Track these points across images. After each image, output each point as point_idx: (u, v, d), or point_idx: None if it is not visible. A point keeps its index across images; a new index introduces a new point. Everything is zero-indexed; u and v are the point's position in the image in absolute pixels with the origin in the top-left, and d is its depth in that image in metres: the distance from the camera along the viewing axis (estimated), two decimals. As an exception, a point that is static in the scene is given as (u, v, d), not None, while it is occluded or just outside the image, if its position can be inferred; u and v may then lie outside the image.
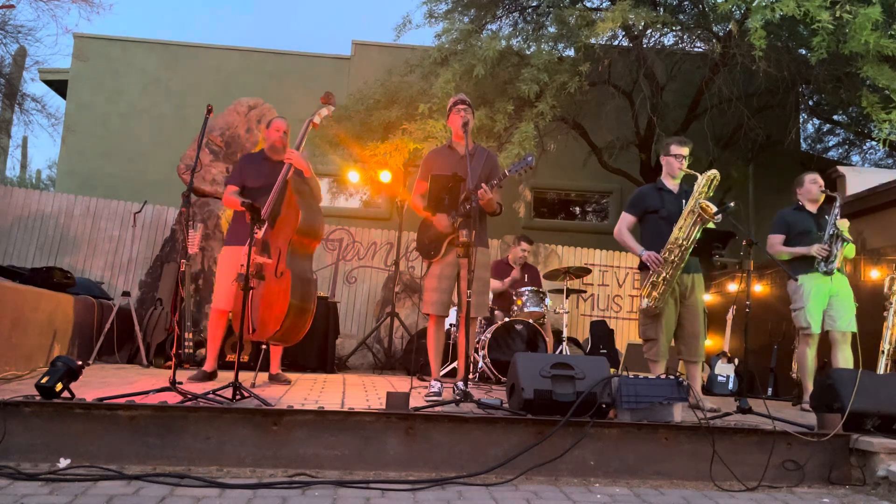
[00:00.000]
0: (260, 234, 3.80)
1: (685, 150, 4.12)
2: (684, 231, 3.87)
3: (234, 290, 3.94)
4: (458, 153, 3.84)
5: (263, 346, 4.37)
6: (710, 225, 3.94)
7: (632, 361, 6.87)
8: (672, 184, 4.17)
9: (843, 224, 4.45)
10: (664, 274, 3.89)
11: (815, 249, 4.38)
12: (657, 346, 4.00)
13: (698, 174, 3.95)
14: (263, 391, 3.51)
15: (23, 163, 18.44)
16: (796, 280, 4.26)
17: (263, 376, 4.38)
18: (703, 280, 4.14)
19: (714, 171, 3.99)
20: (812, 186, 4.59)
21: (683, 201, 3.97)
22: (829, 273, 4.35)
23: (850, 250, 4.50)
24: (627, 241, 4.17)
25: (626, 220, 4.23)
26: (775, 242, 4.58)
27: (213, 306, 4.25)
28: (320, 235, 3.99)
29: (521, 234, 6.52)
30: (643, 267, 4.05)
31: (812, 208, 4.60)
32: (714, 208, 3.78)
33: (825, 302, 4.39)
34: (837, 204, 4.49)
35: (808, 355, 4.42)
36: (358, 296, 8.11)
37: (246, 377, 3.83)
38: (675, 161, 4.12)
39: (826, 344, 4.42)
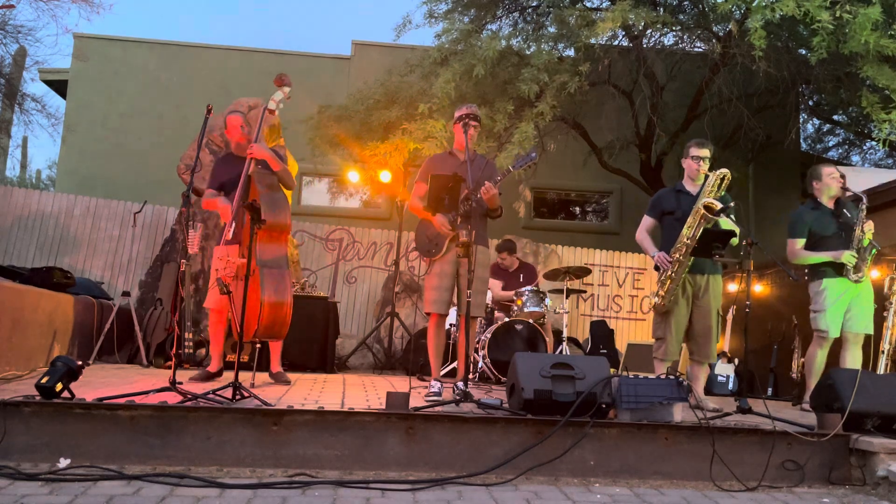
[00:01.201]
0: (230, 234, 3.82)
1: (704, 152, 4.09)
2: (691, 230, 3.90)
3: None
4: (459, 159, 3.87)
5: (258, 346, 4.37)
6: (726, 224, 3.93)
7: (632, 361, 6.88)
8: (692, 186, 4.16)
9: (869, 227, 4.22)
10: (670, 272, 3.92)
11: (846, 256, 4.14)
12: (665, 344, 4.02)
13: (711, 174, 3.97)
14: (263, 391, 3.51)
15: (23, 163, 18.47)
16: (797, 280, 4.24)
17: (263, 376, 4.39)
18: (719, 281, 4.12)
19: (724, 170, 4.00)
20: (832, 182, 4.33)
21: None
22: (858, 282, 4.18)
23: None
24: (644, 244, 4.22)
25: (645, 222, 4.28)
26: (797, 248, 4.33)
27: (206, 306, 4.28)
28: (287, 227, 3.99)
29: (501, 240, 6.49)
30: (658, 267, 4.08)
31: (830, 204, 4.38)
32: (719, 205, 3.79)
33: (846, 306, 4.25)
34: (864, 206, 4.26)
35: (819, 356, 4.29)
36: (358, 296, 8.11)
37: (246, 377, 3.83)
38: (694, 163, 4.11)
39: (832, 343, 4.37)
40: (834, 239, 4.29)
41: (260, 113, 4.13)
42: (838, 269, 4.24)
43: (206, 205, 4.24)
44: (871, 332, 4.25)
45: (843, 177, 4.45)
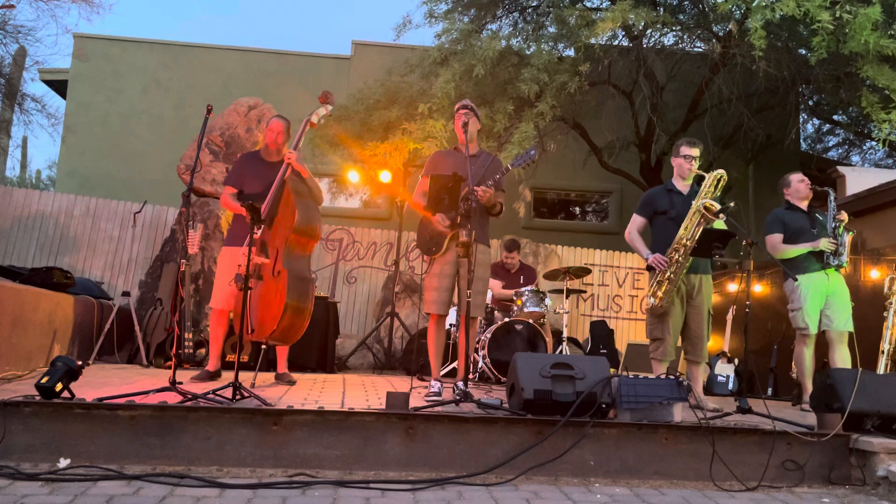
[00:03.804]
0: (258, 234, 3.79)
1: (695, 151, 4.12)
2: (689, 231, 3.88)
3: (232, 290, 3.95)
4: (464, 154, 3.85)
5: (264, 346, 4.37)
6: (719, 224, 3.94)
7: (632, 361, 6.88)
8: (682, 185, 4.17)
9: (843, 216, 4.44)
10: (669, 273, 3.90)
11: (823, 244, 4.34)
12: (663, 345, 4.01)
13: (706, 174, 3.96)
14: (264, 391, 3.51)
15: (23, 163, 18.46)
16: (795, 280, 4.26)
17: (264, 376, 4.40)
18: (710, 282, 4.15)
19: (721, 171, 4.00)
20: (801, 185, 4.58)
21: (692, 202, 3.98)
22: (840, 266, 4.34)
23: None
24: (636, 244, 4.19)
25: (635, 221, 4.25)
26: (777, 242, 4.52)
27: (211, 306, 4.27)
28: (317, 235, 3.99)
29: (508, 239, 6.48)
30: (651, 267, 4.06)
31: (803, 206, 4.58)
32: (718, 207, 3.79)
33: (822, 302, 4.37)
34: (832, 197, 4.49)
35: (806, 355, 4.41)
36: (358, 296, 8.11)
37: (246, 377, 3.83)
38: (685, 162, 4.12)
39: (825, 343, 4.41)
40: (807, 233, 4.47)
41: (302, 125, 4.14)
42: (819, 258, 4.38)
43: (226, 205, 4.22)
44: (851, 329, 4.33)
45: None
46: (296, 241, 3.83)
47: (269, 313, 3.67)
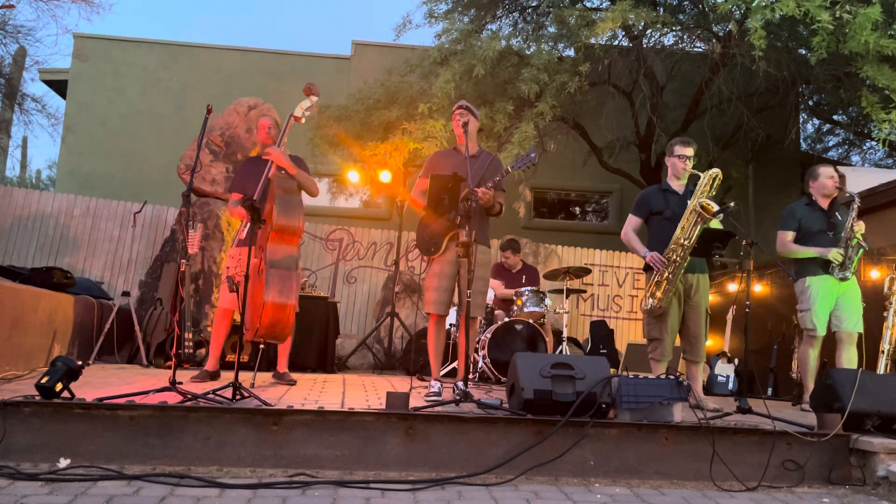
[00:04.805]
0: (243, 234, 3.81)
1: (689, 151, 4.11)
2: (686, 230, 3.87)
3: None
4: (463, 155, 3.84)
5: (262, 346, 4.37)
6: (716, 224, 3.94)
7: (632, 361, 6.88)
8: (677, 185, 4.17)
9: (860, 227, 4.27)
10: (667, 273, 3.89)
11: (832, 254, 4.22)
12: (662, 345, 4.00)
13: (701, 174, 3.96)
14: (264, 391, 3.51)
15: (23, 163, 18.47)
16: (795, 280, 4.24)
17: (264, 376, 4.39)
18: (707, 281, 4.14)
19: (716, 170, 3.99)
20: (828, 182, 4.40)
21: (688, 201, 3.97)
22: (844, 280, 4.23)
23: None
24: (633, 244, 4.18)
25: (631, 222, 4.24)
26: (787, 240, 4.41)
27: (218, 305, 4.28)
28: (298, 230, 3.97)
29: (506, 240, 6.46)
30: (648, 268, 4.06)
31: (824, 204, 4.44)
32: (714, 207, 3.78)
33: (832, 304, 4.30)
34: (855, 206, 4.31)
35: (811, 356, 4.35)
36: (358, 296, 8.11)
37: (246, 377, 3.83)
38: (680, 162, 4.11)
39: (827, 343, 4.40)
40: (822, 236, 4.35)
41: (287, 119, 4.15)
42: (825, 266, 4.29)
43: (234, 213, 4.25)
44: (861, 330, 4.28)
45: (842, 177, 4.46)
46: (277, 237, 3.84)
47: (255, 312, 3.69)
